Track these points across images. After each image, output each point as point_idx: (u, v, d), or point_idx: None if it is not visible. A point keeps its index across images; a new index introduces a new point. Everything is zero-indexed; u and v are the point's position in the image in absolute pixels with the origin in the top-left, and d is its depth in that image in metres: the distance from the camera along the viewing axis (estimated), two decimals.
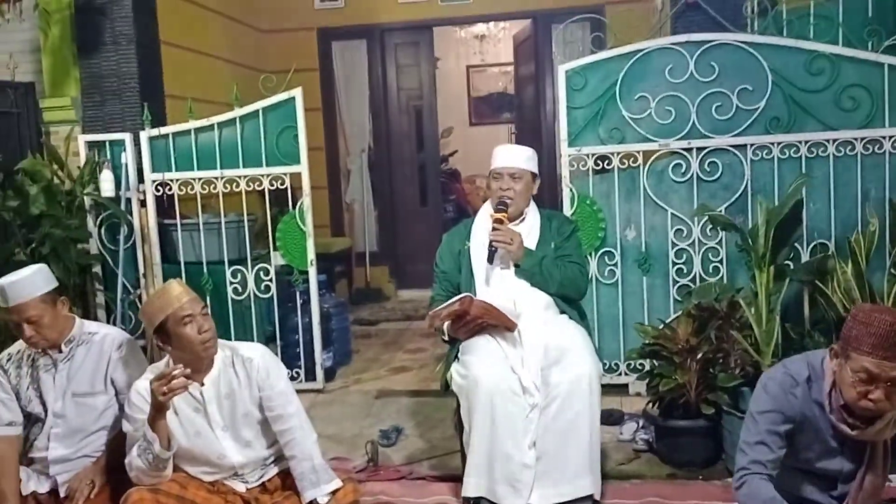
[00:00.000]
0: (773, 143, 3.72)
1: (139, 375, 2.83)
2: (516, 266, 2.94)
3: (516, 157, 3.07)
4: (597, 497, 2.74)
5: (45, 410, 2.79)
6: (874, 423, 2.03)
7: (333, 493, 2.73)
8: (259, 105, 4.16)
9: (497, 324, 2.83)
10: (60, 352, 2.82)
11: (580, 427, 2.68)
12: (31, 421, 2.82)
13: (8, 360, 2.83)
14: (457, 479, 2.94)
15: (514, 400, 2.70)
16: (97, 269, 4.24)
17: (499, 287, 2.94)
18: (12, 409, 2.78)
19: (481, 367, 2.75)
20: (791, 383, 2.16)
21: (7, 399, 2.78)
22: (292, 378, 4.24)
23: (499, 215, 2.96)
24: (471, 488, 2.74)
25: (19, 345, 2.84)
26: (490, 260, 2.93)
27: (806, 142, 3.69)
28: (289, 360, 4.31)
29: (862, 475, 2.12)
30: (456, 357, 2.94)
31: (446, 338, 3.00)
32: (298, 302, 4.34)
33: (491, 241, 2.91)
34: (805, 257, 3.65)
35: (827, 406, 2.10)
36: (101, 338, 2.89)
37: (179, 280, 2.74)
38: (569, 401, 2.68)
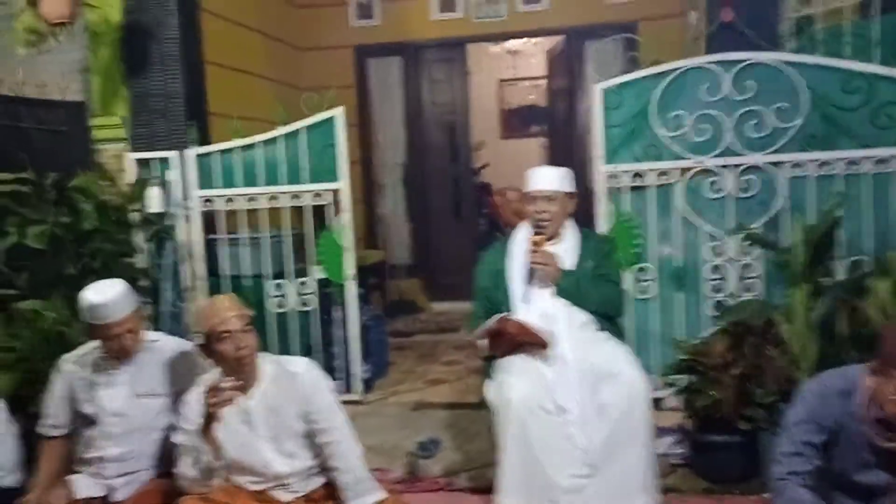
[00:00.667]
0: (809, 161, 3.74)
1: (192, 383, 2.96)
2: (555, 286, 3.00)
3: (550, 180, 3.13)
4: None
5: (102, 411, 2.88)
6: None
7: None
8: (301, 124, 4.26)
9: (532, 342, 2.88)
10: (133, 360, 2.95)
11: (636, 445, 2.69)
12: (85, 423, 2.92)
13: (73, 362, 2.96)
14: (495, 491, 2.99)
15: (549, 420, 2.71)
16: (144, 282, 4.36)
17: (538, 305, 2.99)
18: (62, 411, 2.92)
19: (514, 386, 2.78)
20: (828, 394, 2.20)
21: (60, 399, 2.92)
22: None
23: (536, 238, 3.03)
24: None
25: (84, 349, 2.98)
26: (530, 281, 2.99)
27: (842, 159, 3.71)
28: (328, 373, 4.36)
29: None
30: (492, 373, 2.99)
31: (484, 354, 3.06)
32: (337, 315, 4.42)
33: (531, 264, 2.97)
34: (842, 274, 3.66)
35: (863, 419, 2.13)
36: (161, 345, 3.02)
37: (230, 295, 2.83)
38: (623, 419, 2.69)
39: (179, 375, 2.98)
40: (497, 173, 8.52)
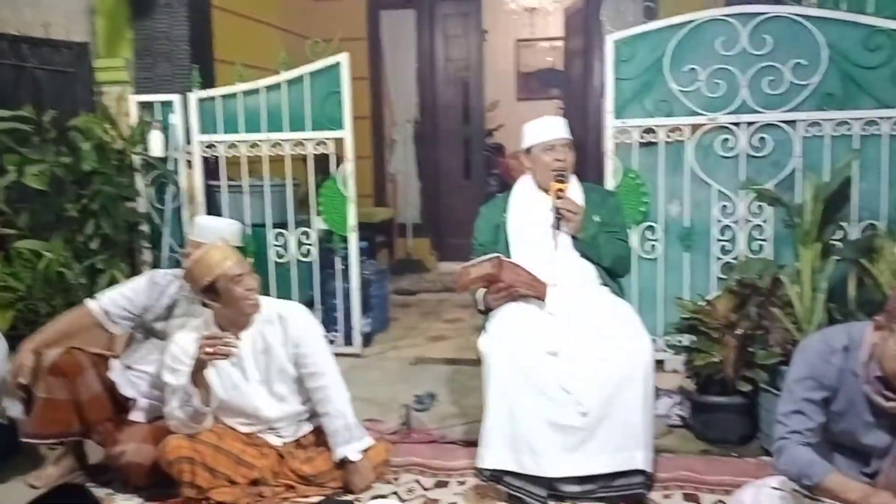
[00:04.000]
0: (825, 120, 3.62)
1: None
2: (573, 238, 2.93)
3: (563, 128, 3.07)
4: (649, 470, 2.66)
5: (165, 330, 2.95)
6: None
7: (365, 450, 2.79)
8: (305, 69, 4.18)
9: (529, 292, 2.82)
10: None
11: (636, 401, 2.61)
12: (151, 333, 2.99)
13: (163, 276, 3.04)
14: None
15: (537, 369, 2.63)
16: (144, 227, 4.33)
17: (540, 255, 2.92)
18: (124, 309, 2.96)
19: (498, 338, 2.72)
20: (828, 350, 2.13)
21: (131, 299, 2.96)
22: (330, 342, 4.29)
23: (560, 185, 2.96)
24: (489, 459, 2.67)
25: (175, 271, 3.05)
26: (557, 226, 2.92)
27: (859, 119, 3.59)
28: (327, 325, 4.36)
29: None
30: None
31: (481, 307, 3.00)
32: (339, 267, 4.38)
33: (557, 209, 2.90)
34: (854, 237, 3.56)
35: (862, 377, 2.06)
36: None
37: (224, 241, 2.79)
38: (626, 376, 2.61)
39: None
40: (511, 135, 8.42)
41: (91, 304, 2.96)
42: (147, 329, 2.99)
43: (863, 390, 2.07)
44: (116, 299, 2.96)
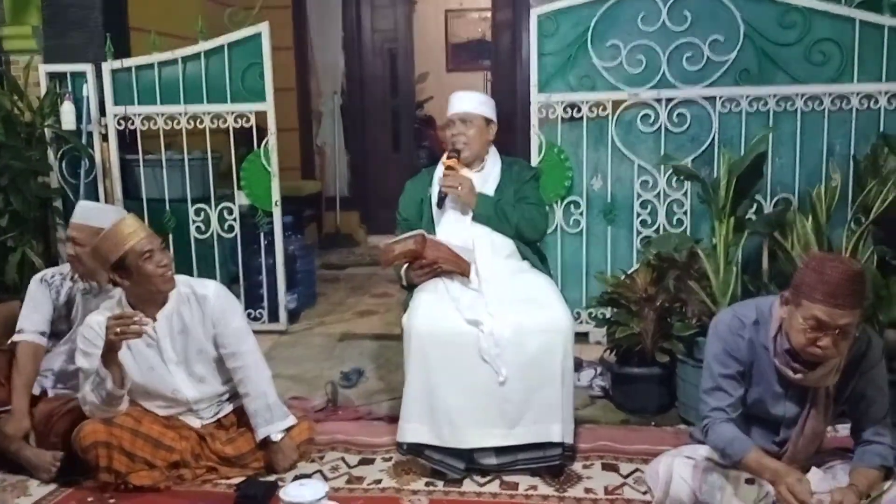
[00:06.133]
0: (741, 96, 3.70)
1: None
2: (471, 211, 2.93)
3: (466, 102, 3.05)
4: (569, 442, 2.68)
5: (69, 328, 2.92)
6: (816, 369, 2.06)
7: (288, 430, 2.76)
8: (224, 39, 4.06)
9: (452, 269, 2.82)
10: (101, 289, 2.93)
11: (554, 374, 2.63)
12: (54, 336, 2.95)
13: (52, 276, 2.98)
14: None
15: (457, 342, 2.62)
16: (58, 203, 4.17)
17: (460, 231, 2.92)
18: (47, 320, 2.92)
19: (418, 312, 2.72)
20: (739, 325, 2.19)
21: (45, 311, 2.92)
22: (255, 319, 4.25)
23: (450, 162, 2.95)
24: (408, 433, 2.67)
25: (60, 269, 3.03)
26: (440, 205, 2.91)
27: (774, 95, 3.68)
28: (252, 302, 4.31)
29: (804, 420, 2.16)
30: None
31: (404, 283, 2.99)
32: (263, 243, 4.30)
33: (440, 188, 2.89)
34: (769, 211, 3.66)
35: (772, 350, 2.13)
36: None
37: (134, 215, 2.70)
38: (545, 349, 2.62)
39: None
40: (441, 107, 8.35)
41: (28, 338, 2.87)
42: (53, 333, 2.94)
43: (773, 363, 2.14)
44: (36, 319, 2.90)
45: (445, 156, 3.00)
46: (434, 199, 3.01)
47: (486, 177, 3.00)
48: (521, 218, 2.93)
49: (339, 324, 4.60)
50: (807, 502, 1.96)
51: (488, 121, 3.04)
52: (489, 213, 2.90)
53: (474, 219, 2.92)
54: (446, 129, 3.03)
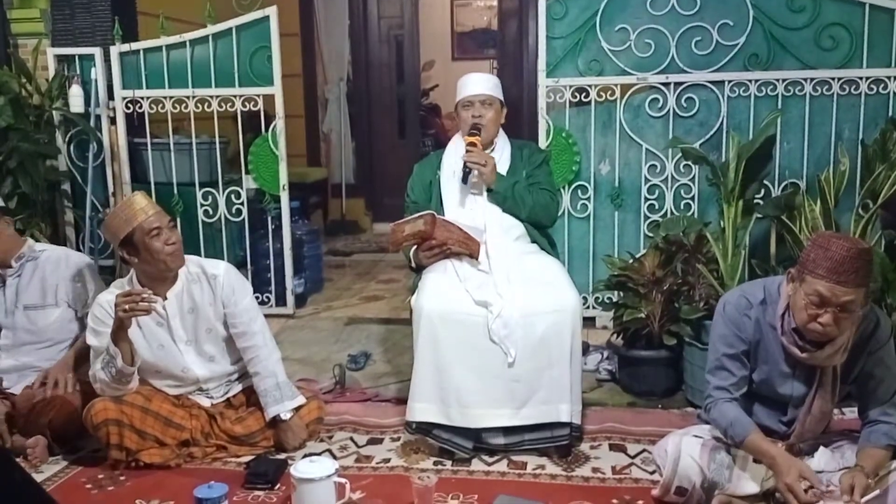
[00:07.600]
0: (750, 81, 3.69)
1: (92, 293, 2.91)
2: (488, 191, 2.93)
3: (485, 85, 3.04)
4: (576, 422, 2.69)
5: None
6: (824, 348, 2.06)
7: (297, 409, 2.78)
8: (232, 23, 4.06)
9: (462, 250, 2.82)
10: (10, 267, 2.92)
11: (563, 355, 2.64)
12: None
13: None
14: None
15: (466, 323, 2.63)
16: (66, 186, 4.19)
17: (471, 212, 2.93)
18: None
19: (427, 293, 2.72)
20: (746, 305, 2.20)
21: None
22: (263, 303, 4.26)
23: (472, 139, 2.94)
24: (417, 413, 2.68)
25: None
26: (465, 181, 2.91)
27: (783, 80, 3.67)
28: (260, 285, 4.31)
29: (811, 400, 2.17)
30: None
31: (413, 265, 3.00)
32: (270, 227, 4.31)
33: (465, 162, 2.89)
34: (777, 195, 3.66)
35: (779, 328, 2.14)
36: (49, 255, 2.98)
37: (143, 193, 2.72)
38: (554, 330, 2.63)
39: (72, 284, 2.95)
40: (447, 95, 8.36)
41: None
42: None
43: (780, 342, 2.15)
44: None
45: (466, 135, 2.98)
46: (445, 181, 3.01)
47: (498, 158, 3.00)
48: (535, 202, 2.94)
49: (345, 308, 4.62)
50: (807, 503, 1.98)
51: (502, 104, 3.06)
52: (507, 193, 2.91)
53: (490, 198, 2.93)
54: (464, 109, 3.01)
